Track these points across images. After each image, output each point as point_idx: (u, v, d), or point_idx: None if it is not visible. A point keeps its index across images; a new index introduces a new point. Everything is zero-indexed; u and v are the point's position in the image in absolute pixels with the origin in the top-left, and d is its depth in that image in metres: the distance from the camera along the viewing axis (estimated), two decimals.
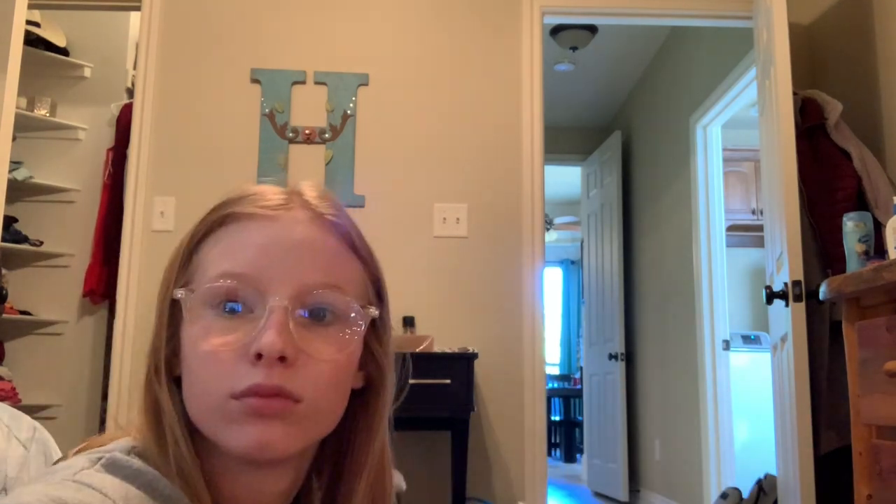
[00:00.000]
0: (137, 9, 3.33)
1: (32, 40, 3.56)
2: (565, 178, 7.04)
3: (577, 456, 8.10)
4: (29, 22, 3.34)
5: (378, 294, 0.73)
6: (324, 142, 3.23)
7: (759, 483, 3.12)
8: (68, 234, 3.65)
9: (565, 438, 8.57)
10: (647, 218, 5.33)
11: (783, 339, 2.77)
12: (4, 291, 3.11)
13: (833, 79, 3.22)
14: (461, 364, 2.81)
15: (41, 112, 3.71)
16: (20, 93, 3.05)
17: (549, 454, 7.36)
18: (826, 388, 2.69)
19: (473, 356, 2.84)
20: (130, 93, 3.78)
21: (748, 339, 4.56)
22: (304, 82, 3.27)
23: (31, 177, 3.62)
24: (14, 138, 2.73)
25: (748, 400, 4.27)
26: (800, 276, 2.63)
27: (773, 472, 3.02)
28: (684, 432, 4.47)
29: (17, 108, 3.03)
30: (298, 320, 0.64)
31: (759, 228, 3.61)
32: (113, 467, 0.59)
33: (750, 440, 4.23)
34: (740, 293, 5.13)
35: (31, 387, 3.42)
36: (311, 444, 0.69)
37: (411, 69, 3.34)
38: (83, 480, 0.55)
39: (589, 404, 6.22)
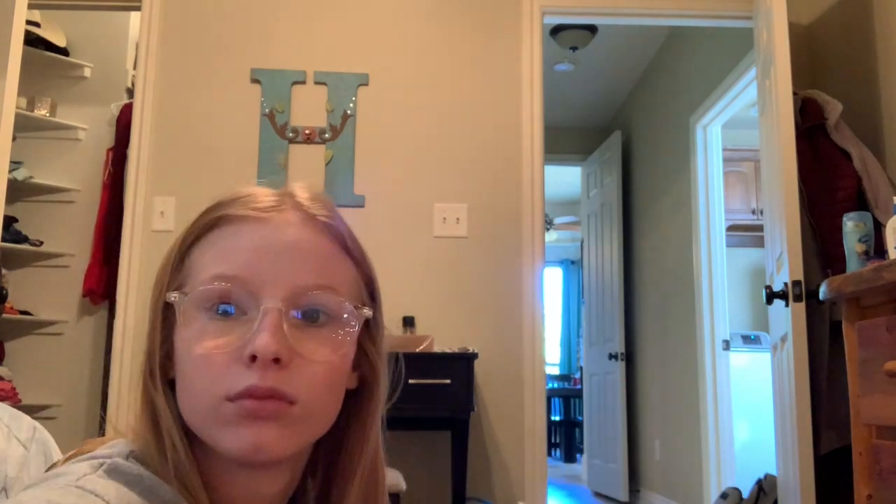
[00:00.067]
0: (137, 9, 3.33)
1: (32, 40, 3.56)
2: (565, 178, 7.04)
3: (577, 456, 8.10)
4: (29, 22, 3.34)
5: (371, 294, 0.73)
6: (324, 142, 3.23)
7: (759, 483, 3.12)
8: (68, 234, 3.65)
9: (565, 438, 8.57)
10: (648, 218, 5.33)
11: (783, 339, 2.77)
12: (4, 291, 3.11)
13: (833, 79, 3.22)
14: (461, 364, 2.81)
15: (41, 112, 3.71)
16: (20, 93, 3.05)
17: (549, 454, 7.37)
18: (826, 389, 2.69)
19: (473, 356, 2.84)
20: (130, 93, 3.78)
21: (748, 339, 4.56)
22: (304, 82, 3.27)
23: (31, 177, 3.62)
24: (14, 138, 2.73)
25: (748, 400, 4.27)
26: (800, 276, 2.62)
27: (773, 472, 3.02)
28: (684, 432, 4.47)
29: (17, 108, 3.03)
30: (292, 322, 0.64)
31: (759, 228, 3.61)
32: (114, 473, 0.59)
33: (750, 440, 4.23)
34: (740, 293, 5.13)
35: (31, 387, 3.42)
36: (306, 446, 0.69)
37: (411, 69, 3.34)
38: (86, 487, 0.55)
39: (589, 404, 6.22)
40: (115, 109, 3.79)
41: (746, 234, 4.97)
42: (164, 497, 0.59)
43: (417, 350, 2.83)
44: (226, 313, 0.63)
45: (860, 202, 2.75)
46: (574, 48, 4.87)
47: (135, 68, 3.41)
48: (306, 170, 3.17)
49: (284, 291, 0.63)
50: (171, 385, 0.66)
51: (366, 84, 3.29)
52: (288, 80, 3.26)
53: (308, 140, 3.23)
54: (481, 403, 3.09)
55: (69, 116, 3.80)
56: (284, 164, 3.19)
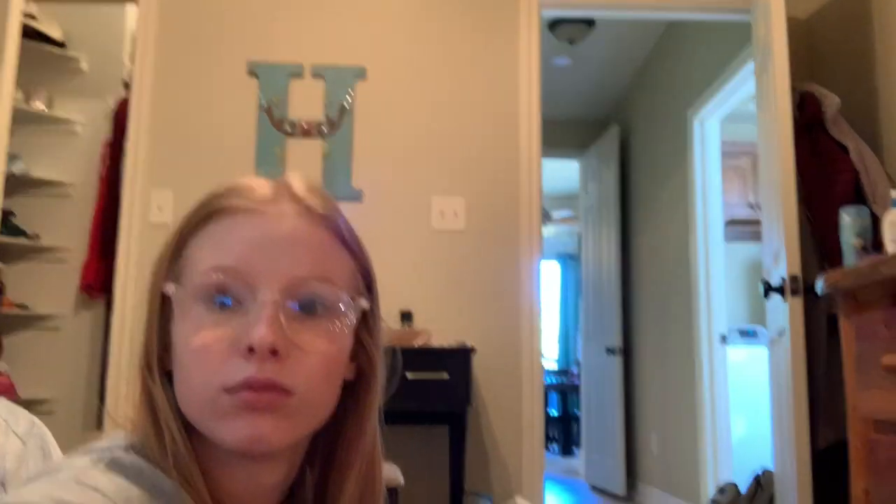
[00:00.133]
0: (134, 1, 3.32)
1: (29, 33, 3.55)
2: (563, 173, 7.03)
3: (575, 450, 8.11)
4: (25, 15, 3.32)
5: (368, 286, 0.73)
6: (321, 136, 3.23)
7: (757, 478, 3.13)
8: (65, 228, 3.65)
9: (563, 433, 8.58)
10: (645, 212, 5.33)
11: (780, 334, 2.77)
12: (1, 285, 3.11)
13: (831, 73, 3.22)
14: (459, 358, 2.81)
15: (38, 105, 3.70)
16: (17, 86, 3.04)
17: (547, 448, 7.38)
18: (823, 383, 2.69)
19: (471, 350, 2.84)
20: (127, 86, 3.77)
21: (745, 334, 4.56)
22: (301, 76, 3.27)
23: (28, 170, 3.62)
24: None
25: (745, 394, 4.27)
26: (797, 271, 2.63)
27: (770, 466, 3.03)
28: (681, 427, 4.48)
29: (14, 101, 3.02)
30: (289, 313, 0.64)
31: (757, 223, 3.61)
32: (115, 466, 0.59)
33: (747, 435, 4.24)
34: (738, 288, 5.14)
35: (29, 381, 3.42)
36: (304, 437, 0.69)
37: (409, 63, 3.33)
38: (86, 482, 0.55)
39: (586, 398, 6.22)
40: (111, 102, 3.77)
41: (744, 228, 4.97)
42: (164, 489, 0.60)
43: (415, 344, 2.84)
44: (223, 305, 0.63)
45: (858, 197, 2.75)
46: (572, 42, 4.86)
47: (132, 61, 3.40)
48: (303, 164, 3.17)
49: (281, 283, 0.63)
50: (168, 377, 0.66)
51: (363, 78, 3.29)
52: (285, 74, 3.26)
53: (305, 134, 3.22)
54: (479, 398, 3.10)
55: (66, 110, 3.79)
56: (282, 157, 3.18)
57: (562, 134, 6.24)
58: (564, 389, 8.76)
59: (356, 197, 3.17)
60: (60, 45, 3.82)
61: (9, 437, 1.04)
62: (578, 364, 7.47)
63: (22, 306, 3.51)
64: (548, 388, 8.52)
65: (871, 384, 1.71)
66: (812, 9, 3.40)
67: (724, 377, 4.21)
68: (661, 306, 4.96)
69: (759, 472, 3.13)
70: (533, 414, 3.14)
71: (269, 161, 3.17)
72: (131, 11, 3.78)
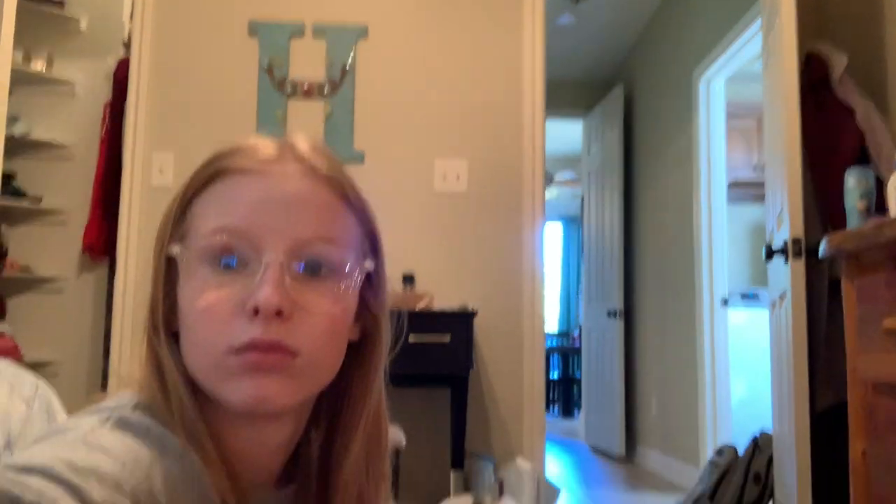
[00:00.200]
0: None
1: None
2: (566, 134, 6.98)
3: (575, 412, 8.18)
4: None
5: (373, 247, 0.73)
6: (322, 96, 3.20)
7: (755, 440, 3.15)
8: (67, 190, 3.64)
9: (563, 395, 8.65)
10: (649, 174, 5.31)
11: (782, 297, 2.77)
12: (4, 248, 3.11)
13: (839, 33, 3.17)
14: (460, 321, 2.82)
15: (37, 66, 3.66)
16: (15, 46, 3.00)
17: (547, 410, 7.44)
18: (824, 346, 2.70)
19: (473, 314, 2.85)
20: (127, 46, 3.73)
21: (747, 297, 4.57)
22: (302, 35, 3.23)
23: (28, 132, 3.60)
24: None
25: (745, 357, 4.29)
26: (800, 233, 2.62)
27: (769, 429, 3.05)
28: (681, 389, 4.51)
29: (13, 62, 2.99)
30: (294, 274, 0.64)
31: (761, 185, 3.60)
32: (122, 425, 0.60)
33: (746, 397, 4.27)
34: (740, 250, 5.13)
35: (33, 343, 3.44)
36: (309, 397, 0.70)
37: (411, 22, 3.29)
38: (94, 442, 0.56)
39: (587, 361, 6.26)
40: (111, 63, 3.73)
41: (748, 190, 4.95)
42: (172, 448, 0.60)
43: (417, 308, 2.84)
44: (228, 266, 0.64)
45: (863, 158, 2.73)
46: (576, 0, 4.79)
47: (131, 21, 3.35)
48: (305, 125, 3.15)
49: (286, 244, 0.64)
50: (175, 338, 0.67)
51: (365, 37, 3.25)
52: (286, 33, 3.22)
53: (307, 94, 3.20)
54: (480, 360, 3.11)
55: (65, 70, 3.76)
56: (283, 118, 3.16)
57: (565, 94, 6.19)
58: (565, 352, 8.82)
59: (358, 158, 3.15)
60: (59, 4, 3.77)
61: (13, 400, 1.05)
62: (580, 327, 7.50)
63: (24, 269, 3.52)
64: (549, 351, 8.57)
65: (871, 347, 1.71)
66: None
67: (725, 340, 4.23)
68: (662, 269, 4.96)
69: (757, 435, 3.16)
70: (534, 376, 3.16)
71: (270, 122, 3.14)
72: None
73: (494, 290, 3.16)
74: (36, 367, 3.21)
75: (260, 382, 0.61)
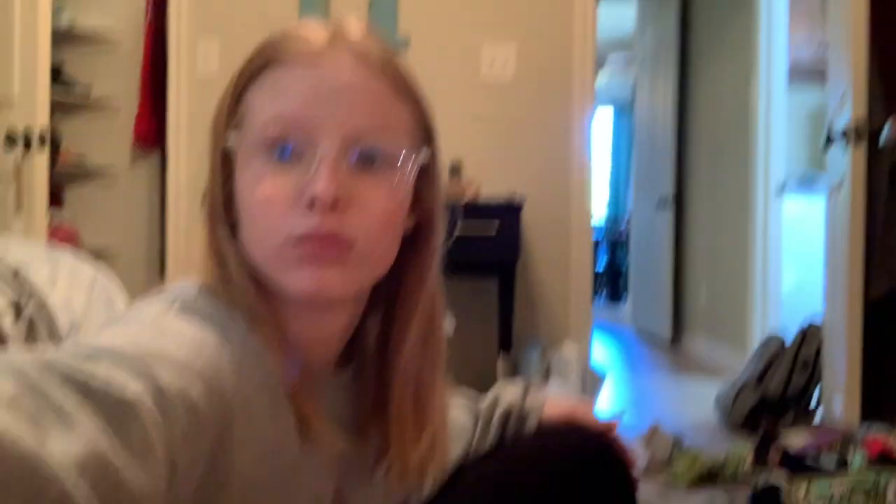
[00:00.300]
0: None
1: None
2: (619, 16, 6.70)
3: (623, 297, 8.23)
4: None
5: (427, 137, 0.72)
6: None
7: (803, 331, 3.14)
8: (116, 80, 3.64)
9: (610, 283, 8.67)
10: (706, 56, 5.11)
11: (840, 184, 2.70)
12: (58, 139, 3.16)
13: None
14: (508, 211, 2.81)
15: None
16: None
17: (594, 297, 7.47)
18: (881, 233, 2.64)
19: (520, 203, 2.83)
20: None
21: (803, 182, 4.45)
22: None
23: (73, 21, 3.58)
24: None
25: (798, 245, 4.22)
26: (862, 117, 2.52)
27: (818, 320, 3.03)
28: (731, 276, 4.48)
29: None
30: (349, 166, 0.64)
31: (823, 69, 3.43)
32: (188, 310, 0.61)
33: (796, 286, 4.23)
34: (798, 137, 4.96)
35: (91, 232, 3.54)
36: (365, 287, 0.71)
37: None
38: (160, 327, 0.57)
39: (636, 248, 6.24)
40: None
41: (809, 74, 4.73)
42: (236, 333, 0.62)
43: (464, 197, 2.83)
44: (282, 156, 0.64)
45: None
46: None
47: None
48: (348, 9, 3.07)
49: (341, 135, 0.63)
50: (234, 227, 0.68)
51: None
52: None
53: None
54: (528, 249, 3.12)
55: None
56: (325, 3, 3.09)
57: None
58: (614, 241, 8.78)
59: (403, 44, 3.08)
60: None
61: (75, 286, 1.08)
62: (628, 216, 7.44)
63: (79, 159, 3.58)
64: (597, 240, 8.54)
65: None
66: None
67: (779, 227, 4.16)
68: (716, 156, 4.84)
69: (806, 326, 3.14)
70: (582, 262, 3.16)
71: (313, 6, 3.08)
72: None
73: (542, 178, 3.13)
74: (95, 254, 3.32)
75: (318, 273, 0.63)
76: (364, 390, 0.76)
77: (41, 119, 2.60)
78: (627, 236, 7.23)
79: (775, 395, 3.01)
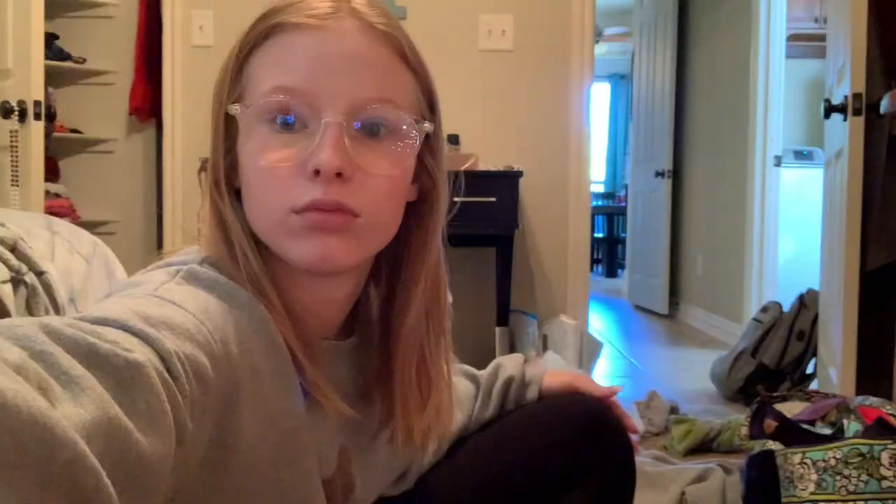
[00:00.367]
0: None
1: None
2: None
3: (619, 271, 8.25)
4: None
5: (431, 107, 0.72)
6: None
7: (801, 297, 3.16)
8: (110, 50, 3.60)
9: (607, 255, 8.69)
10: (704, 27, 5.07)
11: (838, 154, 2.70)
12: (53, 110, 3.14)
13: None
14: (506, 182, 2.81)
15: None
16: None
17: (592, 270, 7.49)
18: (879, 205, 2.64)
19: (518, 174, 2.83)
20: None
21: (800, 155, 4.45)
22: None
23: None
24: None
25: (795, 216, 4.23)
26: (861, 88, 2.51)
27: (816, 287, 3.04)
28: (728, 248, 4.49)
29: None
30: (353, 135, 0.64)
31: (822, 38, 3.40)
32: (191, 279, 0.61)
33: (793, 256, 4.24)
34: (796, 107, 4.95)
35: (88, 203, 3.52)
36: (369, 256, 0.71)
37: None
38: (165, 295, 0.57)
39: (633, 221, 6.24)
40: None
41: (808, 44, 4.70)
42: (240, 300, 0.62)
43: (462, 168, 2.82)
44: (286, 124, 0.64)
45: None
46: None
47: None
48: None
49: (345, 104, 0.63)
50: (237, 195, 0.68)
51: None
52: None
53: None
54: (526, 220, 3.12)
55: None
56: None
57: None
58: (611, 213, 8.78)
59: (400, 14, 3.05)
60: None
61: (73, 257, 1.08)
62: (626, 187, 7.43)
63: (75, 131, 3.55)
64: (594, 212, 8.52)
65: None
66: None
67: (776, 198, 4.16)
68: (714, 127, 4.83)
69: (804, 292, 3.16)
70: (579, 235, 3.16)
71: None
72: None
73: (540, 149, 3.12)
74: (92, 226, 3.31)
75: (322, 242, 0.63)
76: (368, 358, 0.77)
77: (35, 91, 2.58)
78: (625, 207, 7.23)
79: (771, 364, 3.03)
